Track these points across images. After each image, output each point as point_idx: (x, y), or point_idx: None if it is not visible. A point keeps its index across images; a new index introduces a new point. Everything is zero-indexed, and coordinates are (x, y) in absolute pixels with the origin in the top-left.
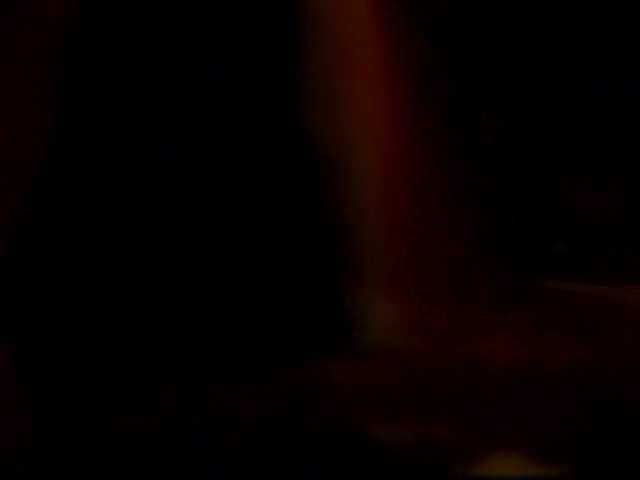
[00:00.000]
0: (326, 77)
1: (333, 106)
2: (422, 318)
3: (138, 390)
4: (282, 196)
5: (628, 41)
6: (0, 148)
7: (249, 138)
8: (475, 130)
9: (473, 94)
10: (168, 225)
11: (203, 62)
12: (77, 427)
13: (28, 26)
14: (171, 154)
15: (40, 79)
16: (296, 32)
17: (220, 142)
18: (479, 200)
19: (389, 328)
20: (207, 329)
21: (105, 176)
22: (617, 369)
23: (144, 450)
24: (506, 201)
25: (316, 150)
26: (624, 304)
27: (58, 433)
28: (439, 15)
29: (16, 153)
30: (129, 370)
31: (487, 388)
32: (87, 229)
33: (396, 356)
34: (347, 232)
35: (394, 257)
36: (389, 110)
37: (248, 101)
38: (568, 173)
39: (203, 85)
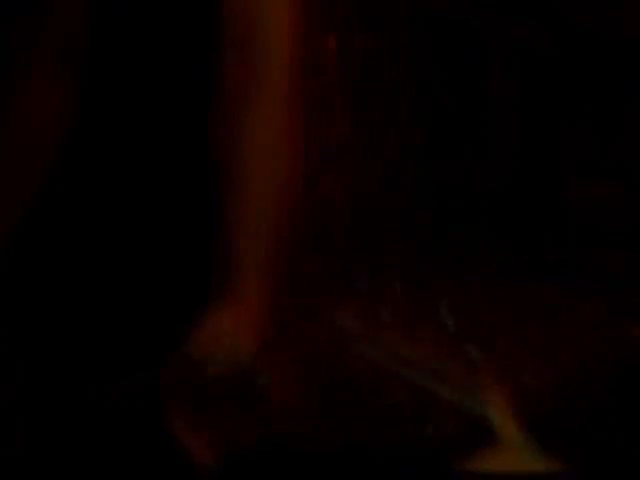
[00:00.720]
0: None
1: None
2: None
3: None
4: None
5: (630, 40)
6: (14, 149)
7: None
8: (474, 130)
9: (473, 93)
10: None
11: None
12: (72, 426)
13: (47, 27)
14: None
15: (58, 80)
16: (210, 33)
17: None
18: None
19: (224, 338)
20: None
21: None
22: None
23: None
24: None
25: (214, 153)
26: None
27: (52, 431)
28: (440, 13)
29: (29, 154)
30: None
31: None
32: (88, 228)
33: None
34: (220, 240)
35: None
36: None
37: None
38: (568, 172)
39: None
